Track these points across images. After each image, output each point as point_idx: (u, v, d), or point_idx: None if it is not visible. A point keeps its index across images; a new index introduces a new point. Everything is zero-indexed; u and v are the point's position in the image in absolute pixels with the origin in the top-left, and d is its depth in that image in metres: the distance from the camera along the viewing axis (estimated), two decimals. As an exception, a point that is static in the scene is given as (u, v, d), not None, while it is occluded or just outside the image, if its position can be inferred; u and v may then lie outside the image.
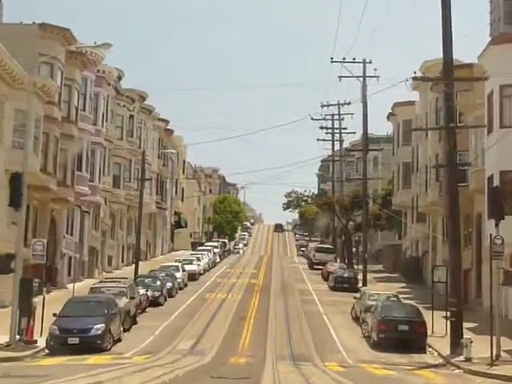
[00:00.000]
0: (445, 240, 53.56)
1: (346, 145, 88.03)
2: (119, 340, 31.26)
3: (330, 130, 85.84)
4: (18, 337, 29.26)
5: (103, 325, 29.13)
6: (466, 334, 30.25)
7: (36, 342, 29.51)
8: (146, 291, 42.31)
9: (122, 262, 71.22)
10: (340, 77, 62.50)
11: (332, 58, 61.82)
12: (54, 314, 30.04)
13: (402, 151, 71.82)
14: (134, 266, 56.50)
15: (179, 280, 53.31)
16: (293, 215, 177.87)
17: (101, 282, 40.08)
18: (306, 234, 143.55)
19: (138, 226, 58.29)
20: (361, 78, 61.43)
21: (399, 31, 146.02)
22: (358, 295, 42.49)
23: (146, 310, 41.46)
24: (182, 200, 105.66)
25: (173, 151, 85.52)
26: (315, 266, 76.33)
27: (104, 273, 62.30)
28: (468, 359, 28.06)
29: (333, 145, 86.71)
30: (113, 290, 35.66)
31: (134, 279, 47.01)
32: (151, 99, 79.58)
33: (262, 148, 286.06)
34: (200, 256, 70.33)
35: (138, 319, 37.16)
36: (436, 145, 55.22)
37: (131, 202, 69.43)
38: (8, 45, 39.98)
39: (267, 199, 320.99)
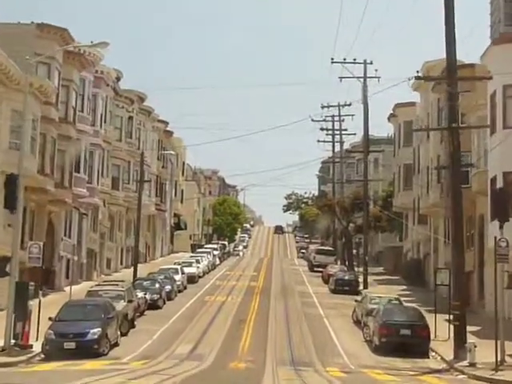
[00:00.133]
0: (447, 242, 53.06)
1: (346, 146, 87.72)
2: (116, 344, 30.68)
3: (330, 132, 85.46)
4: (13, 341, 28.73)
5: (100, 329, 28.57)
6: (470, 338, 29.75)
7: (31, 346, 28.96)
8: (145, 294, 41.75)
9: (121, 264, 70.71)
10: (341, 77, 62.02)
11: (332, 59, 61.26)
12: (50, 318, 29.51)
13: (403, 152, 71.36)
14: (133, 268, 55.94)
15: (178, 283, 52.78)
16: (293, 217, 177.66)
17: (98, 285, 39.51)
18: (306, 235, 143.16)
19: (137, 228, 57.75)
20: (361, 79, 60.87)
21: (399, 31, 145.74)
22: (359, 298, 42.00)
23: (145, 313, 40.88)
24: (182, 202, 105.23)
25: (172, 153, 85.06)
26: (315, 268, 75.91)
27: (103, 275, 61.76)
28: (472, 364, 27.55)
29: (333, 146, 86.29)
30: (110, 294, 35.11)
31: (133, 282, 46.50)
32: (151, 100, 79.39)
33: (261, 149, 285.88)
34: (199, 258, 69.82)
35: (136, 323, 36.58)
36: (438, 146, 54.76)
37: (130, 204, 68.92)
38: (4, 44, 39.58)
39: (267, 201, 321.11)
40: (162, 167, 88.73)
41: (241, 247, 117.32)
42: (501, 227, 29.07)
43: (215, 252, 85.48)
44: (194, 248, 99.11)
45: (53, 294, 46.22)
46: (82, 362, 26.57)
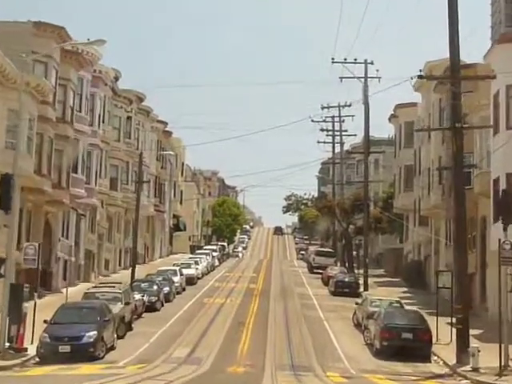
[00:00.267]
0: (448, 244, 52.59)
1: (346, 147, 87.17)
2: (113, 348, 30.14)
3: (330, 133, 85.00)
4: (7, 344, 28.19)
5: (95, 332, 27.99)
6: (472, 342, 29.21)
7: (26, 349, 28.39)
8: (142, 296, 41.19)
9: (120, 265, 70.18)
10: (341, 77, 61.62)
11: (333, 59, 60.87)
12: (45, 321, 28.94)
13: (403, 153, 70.87)
14: (131, 269, 55.36)
15: (177, 284, 52.22)
16: (292, 218, 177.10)
17: (95, 287, 38.94)
18: (306, 237, 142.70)
19: (135, 229, 57.16)
20: (362, 79, 60.39)
21: (400, 31, 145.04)
22: (359, 301, 41.49)
23: (142, 315, 40.36)
24: (181, 203, 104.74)
25: (171, 153, 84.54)
26: (315, 270, 75.45)
27: (101, 277, 61.27)
28: (475, 369, 27.00)
29: (333, 147, 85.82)
30: (107, 296, 34.58)
31: (131, 284, 45.97)
32: (150, 100, 78.96)
33: (261, 149, 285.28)
34: (198, 260, 69.30)
35: (133, 325, 36.08)
36: (439, 147, 54.25)
37: (129, 205, 68.41)
38: (1, 43, 39.06)
39: (267, 201, 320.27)
40: (161, 168, 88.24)
41: (240, 248, 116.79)
42: (504, 229, 28.57)
43: (214, 253, 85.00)
44: (193, 249, 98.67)
45: (50, 295, 45.68)
46: (77, 365, 26.05)
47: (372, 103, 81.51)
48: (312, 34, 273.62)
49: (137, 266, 58.30)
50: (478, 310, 43.15)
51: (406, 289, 59.71)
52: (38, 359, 27.79)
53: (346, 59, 60.68)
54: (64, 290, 42.10)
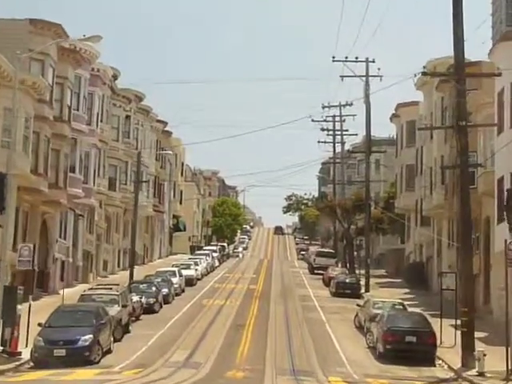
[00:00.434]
0: (450, 245, 51.90)
1: (347, 147, 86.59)
2: (109, 351, 29.39)
3: (331, 132, 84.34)
4: (0, 348, 27.51)
5: (91, 336, 27.24)
6: (477, 345, 28.50)
7: (20, 353, 27.68)
8: (140, 298, 40.48)
9: (118, 266, 69.58)
10: (342, 76, 60.79)
11: (334, 57, 60.09)
12: (40, 324, 28.22)
13: (405, 153, 70.28)
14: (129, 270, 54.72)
15: (176, 285, 51.49)
16: (293, 218, 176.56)
17: (91, 289, 38.14)
18: (307, 237, 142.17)
19: (134, 229, 56.50)
20: (363, 78, 59.67)
21: (400, 30, 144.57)
22: (361, 303, 40.79)
23: (140, 317, 39.67)
24: (181, 203, 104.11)
25: (170, 152, 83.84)
26: (316, 271, 74.80)
27: (99, 278, 60.69)
28: (481, 373, 26.32)
29: (334, 147, 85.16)
30: (104, 298, 33.84)
31: (129, 285, 45.31)
32: (149, 99, 78.28)
33: (262, 149, 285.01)
34: (198, 260, 68.61)
35: (130, 328, 35.32)
36: (442, 146, 53.59)
37: (127, 205, 67.74)
38: (-4, 40, 38.44)
39: (267, 201, 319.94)
40: (161, 168, 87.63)
41: (240, 249, 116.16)
42: (510, 230, 27.90)
43: (214, 254, 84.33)
44: (193, 249, 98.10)
45: (47, 297, 45.08)
46: (71, 370, 25.31)
47: (373, 102, 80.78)
48: (312, 34, 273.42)
49: (136, 266, 57.78)
50: (482, 312, 42.42)
51: (407, 290, 59.06)
52: (32, 363, 27.08)
53: (347, 58, 59.97)
54: (61, 292, 41.46)
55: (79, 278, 55.66)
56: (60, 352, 26.65)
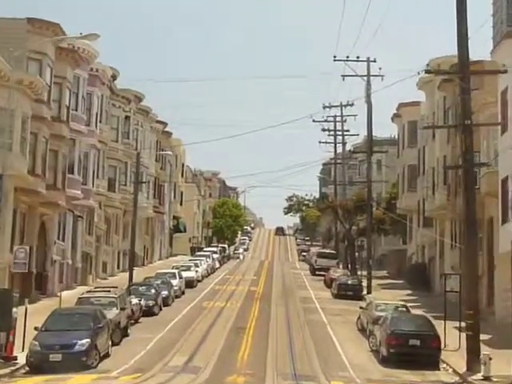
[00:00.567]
0: (453, 246, 51.34)
1: (348, 147, 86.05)
2: (107, 355, 28.82)
3: (332, 133, 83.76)
4: (-4, 353, 26.94)
5: (88, 340, 26.62)
6: (482, 348, 27.85)
7: (16, 358, 27.06)
8: (140, 300, 39.90)
9: (118, 268, 69.03)
10: (343, 76, 60.17)
11: (335, 57, 59.48)
12: (36, 328, 27.62)
13: (407, 153, 69.77)
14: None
15: (176, 288, 50.94)
16: (294, 219, 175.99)
17: (89, 291, 37.53)
18: (308, 238, 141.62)
19: (133, 230, 55.92)
20: (365, 77, 59.08)
21: (400, 30, 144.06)
22: (363, 304, 40.21)
23: (140, 320, 39.07)
24: (181, 204, 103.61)
25: (169, 153, 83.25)
26: (317, 272, 74.25)
27: (98, 280, 60.16)
28: (487, 378, 25.72)
29: (335, 147, 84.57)
30: (102, 301, 33.23)
31: (128, 287, 44.76)
32: (149, 99, 77.60)
33: (262, 149, 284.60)
34: (198, 262, 68.03)
35: (129, 331, 34.75)
36: (444, 146, 53.03)
37: (127, 206, 67.16)
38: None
39: (268, 202, 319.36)
40: (161, 169, 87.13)
41: (241, 250, 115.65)
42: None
43: (215, 255, 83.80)
44: (193, 251, 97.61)
45: (45, 299, 44.52)
46: (68, 375, 24.69)
47: (374, 102, 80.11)
48: (312, 34, 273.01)
49: (136, 268, 57.23)
50: (485, 315, 41.80)
51: (409, 291, 58.50)
52: (27, 368, 26.47)
53: (348, 57, 59.39)
54: (61, 294, 40.94)
55: (78, 280, 55.09)
56: (56, 357, 26.02)
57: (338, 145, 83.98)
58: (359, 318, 38.83)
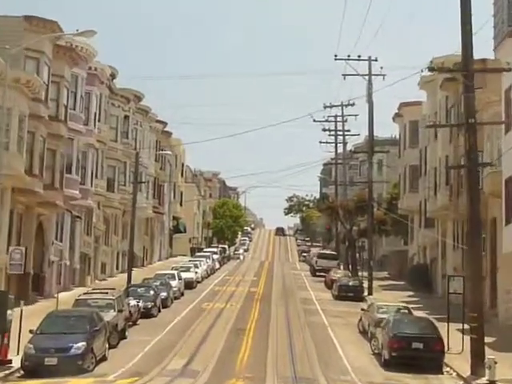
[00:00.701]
0: (455, 247, 50.83)
1: (349, 147, 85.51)
2: (104, 358, 28.22)
3: (332, 133, 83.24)
4: (-11, 356, 26.34)
5: (85, 343, 26.02)
6: (487, 352, 27.26)
7: (11, 361, 26.45)
8: (138, 302, 39.32)
9: (117, 269, 68.53)
10: (344, 75, 59.66)
11: (336, 56, 58.98)
12: (31, 331, 27.04)
13: (408, 153, 69.26)
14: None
15: (175, 289, 50.41)
16: (294, 220, 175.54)
17: (86, 293, 36.92)
18: (308, 239, 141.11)
19: (132, 231, 55.38)
20: (366, 77, 58.50)
21: (401, 29, 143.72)
22: (364, 306, 39.67)
23: (138, 322, 38.50)
24: (181, 204, 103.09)
25: (169, 153, 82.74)
26: (318, 273, 73.72)
27: (97, 281, 59.66)
28: (491, 382, 25.17)
29: (336, 147, 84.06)
30: (99, 303, 32.67)
31: (126, 288, 44.21)
32: (148, 99, 77.09)
33: (262, 149, 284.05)
34: (198, 263, 67.48)
35: (127, 333, 34.19)
36: (447, 146, 52.51)
37: (126, 207, 66.64)
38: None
39: (268, 202, 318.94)
40: (161, 169, 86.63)
41: (241, 250, 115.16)
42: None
43: (215, 256, 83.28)
44: (193, 251, 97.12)
45: (42, 301, 44.04)
46: (63, 379, 24.15)
47: (375, 102, 79.61)
48: (312, 34, 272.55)
49: (135, 269, 56.69)
50: (489, 317, 41.22)
51: (411, 292, 57.99)
52: (22, 372, 25.89)
53: (349, 56, 58.85)
54: (58, 296, 40.40)
55: (76, 281, 54.60)
56: (51, 360, 25.40)
57: (338, 145, 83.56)
58: (360, 319, 38.29)
